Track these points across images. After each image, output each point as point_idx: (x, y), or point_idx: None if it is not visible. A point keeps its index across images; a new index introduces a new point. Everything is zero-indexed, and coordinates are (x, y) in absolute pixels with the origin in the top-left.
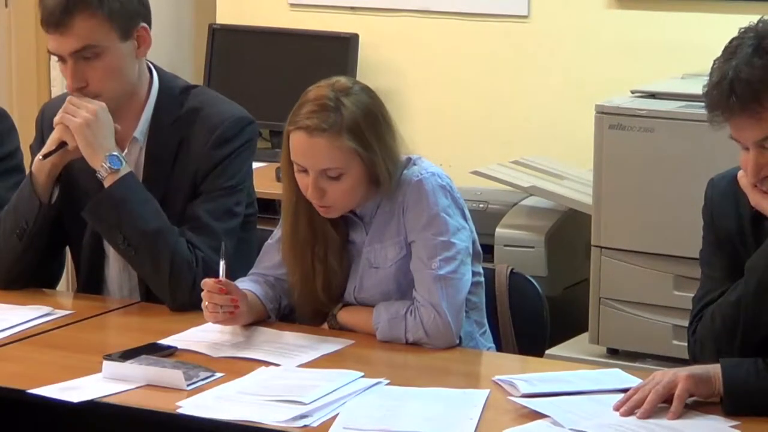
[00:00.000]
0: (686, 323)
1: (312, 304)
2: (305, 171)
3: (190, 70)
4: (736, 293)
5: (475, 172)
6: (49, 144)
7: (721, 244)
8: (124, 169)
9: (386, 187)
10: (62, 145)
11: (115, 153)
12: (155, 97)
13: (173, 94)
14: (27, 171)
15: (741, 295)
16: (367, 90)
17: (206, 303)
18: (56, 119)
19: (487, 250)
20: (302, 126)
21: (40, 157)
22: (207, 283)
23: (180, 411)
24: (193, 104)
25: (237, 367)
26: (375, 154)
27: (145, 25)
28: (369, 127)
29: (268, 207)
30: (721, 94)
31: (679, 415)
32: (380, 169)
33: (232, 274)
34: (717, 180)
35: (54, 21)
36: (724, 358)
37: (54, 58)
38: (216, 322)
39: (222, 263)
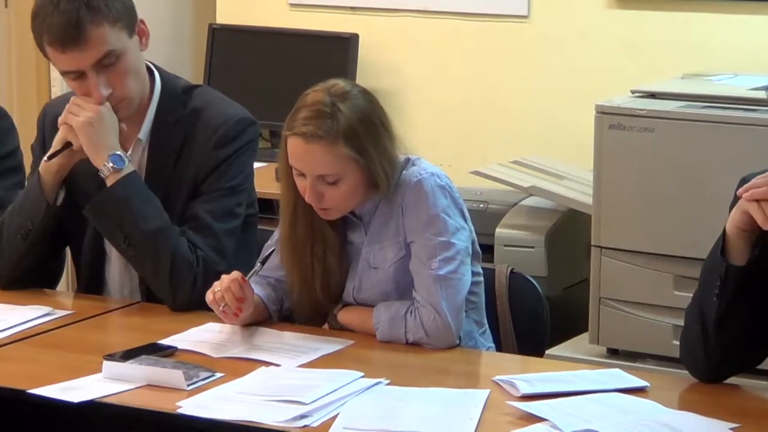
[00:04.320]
0: None
1: (311, 304)
2: (303, 175)
3: (190, 70)
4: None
5: (475, 172)
6: (55, 145)
7: None
8: (127, 168)
9: (384, 189)
10: (67, 145)
11: (119, 152)
12: (158, 98)
13: (176, 95)
14: (26, 171)
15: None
16: (364, 93)
17: (217, 291)
18: (60, 119)
19: (487, 250)
20: (298, 132)
21: (46, 159)
22: (235, 279)
23: (180, 411)
24: (196, 104)
25: (237, 367)
26: (372, 160)
27: (141, 18)
28: (365, 133)
29: (268, 207)
30: None
31: None
32: (378, 174)
33: None
34: (749, 178)
35: (70, 37)
36: None
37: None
38: (215, 309)
39: (258, 266)
